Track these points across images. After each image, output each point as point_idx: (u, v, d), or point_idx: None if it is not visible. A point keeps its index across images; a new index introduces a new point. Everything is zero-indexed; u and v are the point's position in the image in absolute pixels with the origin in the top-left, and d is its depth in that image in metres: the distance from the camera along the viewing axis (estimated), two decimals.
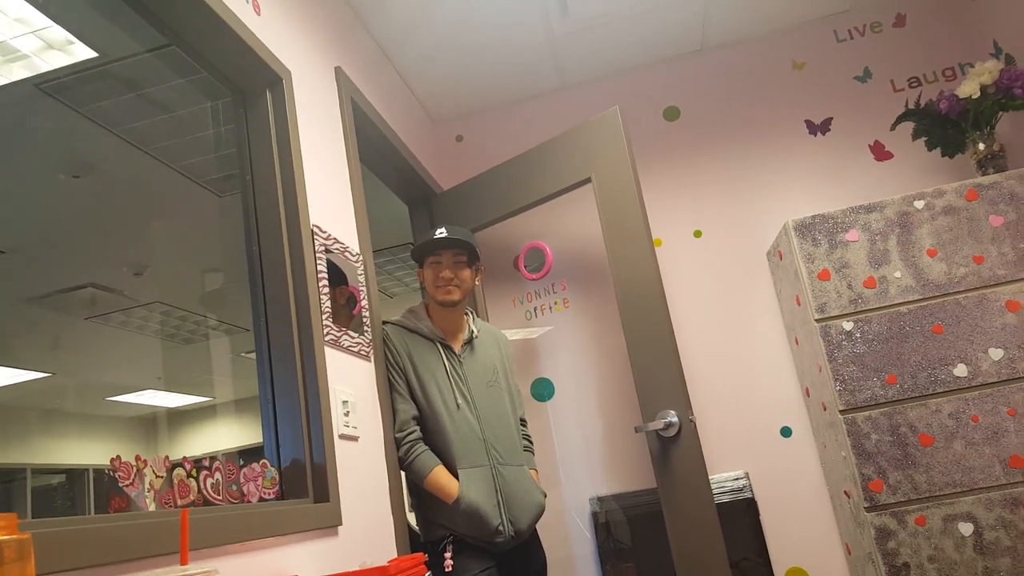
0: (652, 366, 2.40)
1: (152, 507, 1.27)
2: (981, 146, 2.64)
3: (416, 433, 2.06)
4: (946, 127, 2.71)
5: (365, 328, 2.05)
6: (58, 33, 2.05)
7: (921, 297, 2.44)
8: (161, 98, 2.47)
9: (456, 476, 2.00)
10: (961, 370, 2.37)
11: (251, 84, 1.87)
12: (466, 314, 2.28)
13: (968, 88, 2.62)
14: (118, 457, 1.22)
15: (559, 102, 3.36)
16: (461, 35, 2.88)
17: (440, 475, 1.99)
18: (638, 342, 2.44)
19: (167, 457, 1.33)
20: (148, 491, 1.26)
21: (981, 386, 2.35)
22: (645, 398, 2.40)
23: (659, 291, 2.42)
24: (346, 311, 2.01)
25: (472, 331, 2.25)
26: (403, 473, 2.08)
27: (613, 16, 2.93)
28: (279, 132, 1.86)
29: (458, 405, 2.08)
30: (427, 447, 2.04)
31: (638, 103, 3.27)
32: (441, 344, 2.17)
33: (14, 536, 0.69)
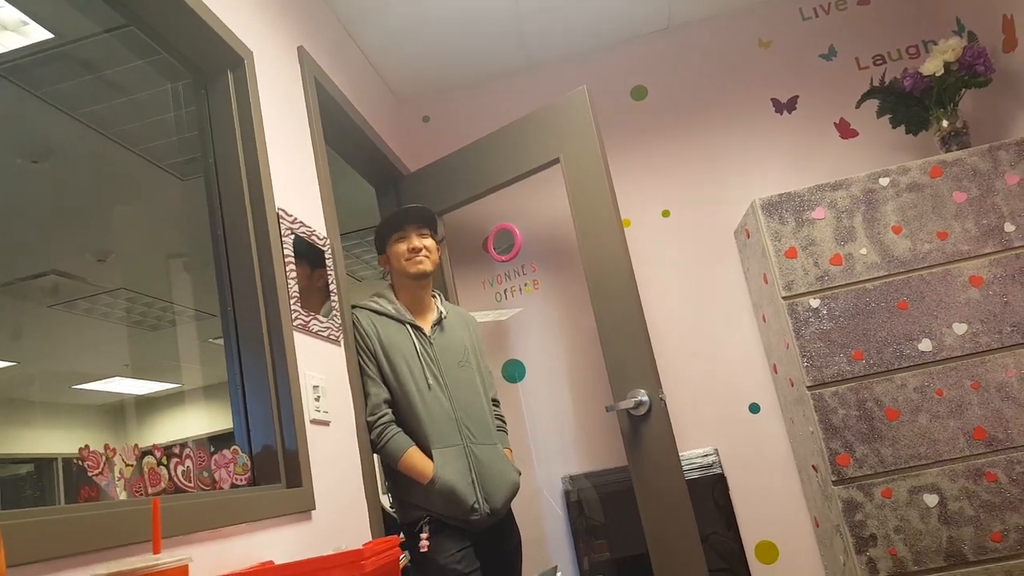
0: (622, 345, 2.42)
1: (122, 496, 1.25)
2: (945, 123, 2.68)
3: (388, 415, 2.05)
4: (910, 105, 2.75)
5: (334, 312, 2.04)
6: (11, 13, 1.98)
7: (887, 273, 2.48)
8: (120, 80, 2.41)
9: (430, 456, 2.01)
10: (926, 345, 2.41)
11: (212, 65, 1.83)
12: (433, 296, 2.29)
13: (932, 66, 2.65)
14: (87, 446, 1.20)
15: (526, 81, 3.33)
16: (426, 13, 2.84)
17: (414, 456, 2.00)
18: (608, 322, 2.46)
19: (136, 445, 1.31)
20: (118, 480, 1.24)
21: (945, 360, 2.40)
22: (615, 377, 2.42)
23: (628, 271, 2.43)
24: (323, 295, 2.00)
25: (441, 312, 2.25)
26: (376, 456, 2.08)
27: None
28: (241, 114, 1.82)
29: (429, 385, 2.08)
30: (400, 429, 2.04)
31: (605, 82, 3.26)
32: (411, 325, 2.16)
33: None
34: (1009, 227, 2.44)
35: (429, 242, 2.21)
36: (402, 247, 2.18)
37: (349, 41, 2.85)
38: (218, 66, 1.83)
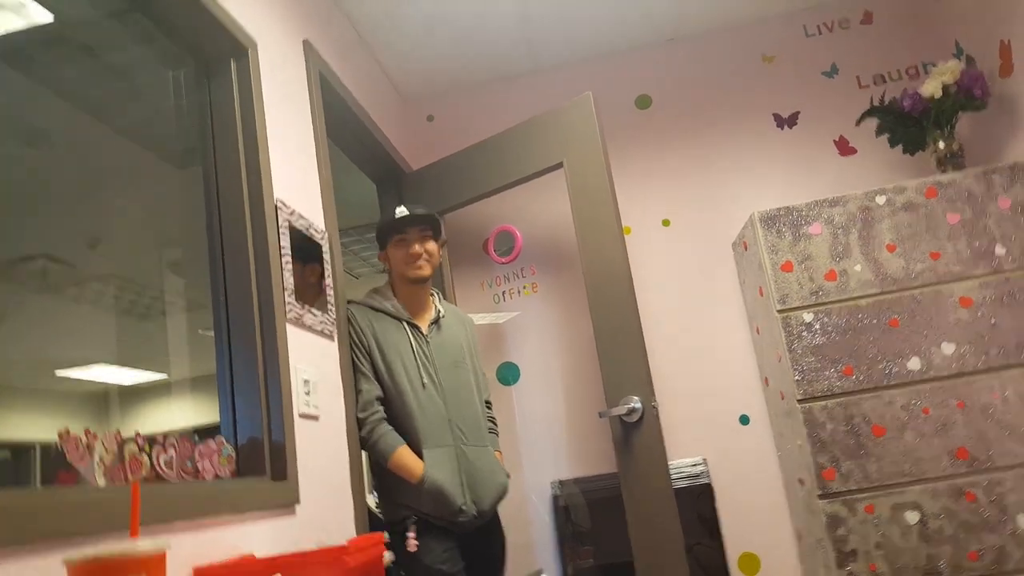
0: (618, 352, 2.41)
1: (102, 483, 1.23)
2: (941, 145, 2.70)
3: (380, 413, 2.04)
4: (908, 125, 2.76)
5: (329, 307, 2.02)
6: None
7: (879, 291, 2.48)
8: (120, 66, 2.38)
9: (420, 456, 1.99)
10: (915, 363, 2.42)
11: (215, 54, 1.82)
12: (431, 295, 2.28)
13: (930, 87, 2.67)
14: (67, 430, 1.18)
15: (532, 85, 3.33)
16: (435, 12, 2.84)
17: (404, 455, 1.98)
18: (605, 328, 2.45)
19: (118, 431, 1.30)
20: (98, 466, 1.22)
21: (933, 379, 2.41)
22: (609, 384, 2.41)
23: (627, 278, 2.43)
24: (315, 289, 1.98)
25: (439, 311, 2.24)
26: (364, 454, 2.06)
27: (588, 0, 2.91)
28: (243, 104, 1.81)
29: (423, 384, 2.07)
30: (391, 427, 2.03)
31: (611, 90, 3.26)
32: (407, 323, 2.15)
33: None
34: (1000, 250, 2.45)
35: (431, 245, 2.19)
36: (403, 251, 2.17)
37: (356, 37, 2.84)
38: (222, 55, 1.82)
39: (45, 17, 2.06)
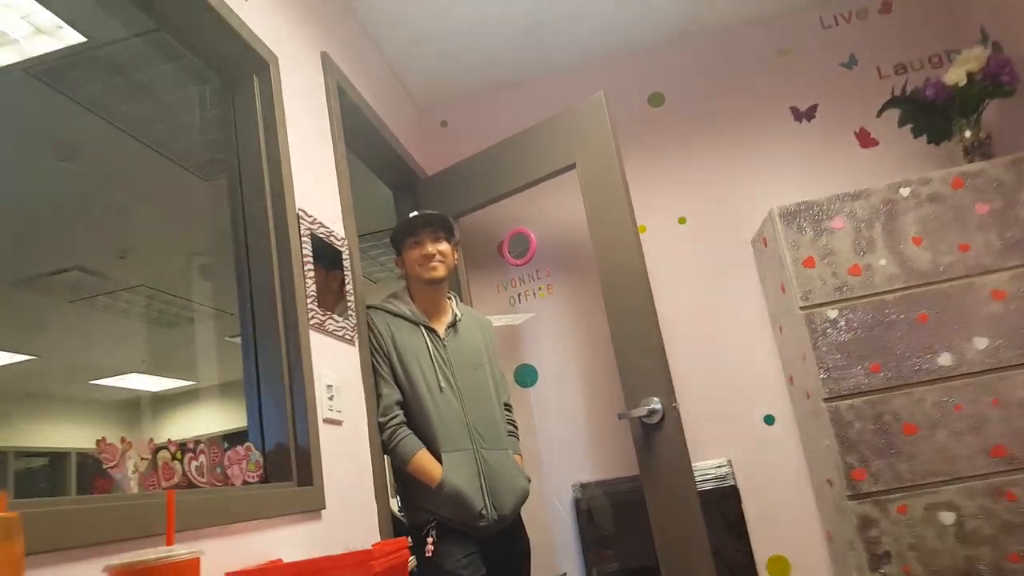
0: (636, 353, 2.41)
1: (136, 490, 1.26)
2: (967, 133, 2.65)
3: (400, 417, 2.06)
4: (932, 114, 2.71)
5: (349, 312, 2.05)
6: (48, 18, 2.03)
7: (906, 285, 2.44)
8: (148, 82, 2.45)
9: (440, 460, 2.01)
10: (946, 359, 2.37)
11: (238, 69, 1.86)
12: (448, 298, 2.29)
13: (955, 75, 2.62)
14: (104, 439, 1.22)
15: (545, 88, 3.33)
16: (447, 20, 2.86)
17: (423, 459, 2.00)
18: (622, 329, 2.45)
19: (152, 439, 1.33)
20: (133, 473, 1.25)
21: (966, 375, 2.35)
22: (628, 385, 2.41)
23: (643, 278, 2.42)
24: (336, 295, 2.01)
25: (456, 314, 2.25)
26: (387, 458, 2.08)
27: (599, 1, 2.91)
28: (265, 117, 1.85)
29: (441, 388, 2.08)
30: (410, 431, 2.04)
31: (623, 89, 3.25)
32: (425, 327, 2.17)
33: (1, 515, 0.69)
34: None
35: (444, 247, 2.21)
36: (416, 253, 2.20)
37: (371, 47, 2.87)
38: (244, 70, 1.86)
39: (78, 38, 2.13)
